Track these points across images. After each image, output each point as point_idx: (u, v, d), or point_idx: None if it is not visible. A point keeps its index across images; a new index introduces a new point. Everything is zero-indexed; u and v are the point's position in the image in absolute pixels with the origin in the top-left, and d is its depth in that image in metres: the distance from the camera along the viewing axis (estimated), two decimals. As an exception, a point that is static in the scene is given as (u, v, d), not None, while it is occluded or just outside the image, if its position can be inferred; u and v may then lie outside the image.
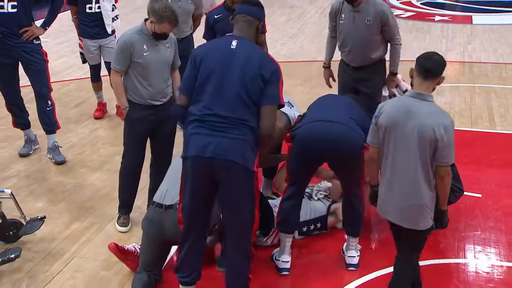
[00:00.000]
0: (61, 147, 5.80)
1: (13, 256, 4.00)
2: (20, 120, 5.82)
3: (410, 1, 12.34)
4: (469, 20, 10.94)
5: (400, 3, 12.28)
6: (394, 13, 11.39)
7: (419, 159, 3.25)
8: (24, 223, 4.33)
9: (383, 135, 3.34)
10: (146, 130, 4.52)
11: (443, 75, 3.31)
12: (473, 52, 9.02)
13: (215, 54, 3.34)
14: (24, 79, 5.73)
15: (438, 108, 3.31)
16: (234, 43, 3.34)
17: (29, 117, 5.84)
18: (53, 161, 5.72)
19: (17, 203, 4.36)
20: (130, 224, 4.65)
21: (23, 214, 4.37)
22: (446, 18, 10.89)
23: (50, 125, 5.73)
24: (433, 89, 3.34)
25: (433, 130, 3.18)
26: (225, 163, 3.25)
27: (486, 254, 4.31)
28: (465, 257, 4.28)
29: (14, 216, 4.39)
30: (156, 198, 3.90)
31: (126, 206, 4.69)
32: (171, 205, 3.81)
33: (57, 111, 5.82)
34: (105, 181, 5.36)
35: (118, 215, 4.70)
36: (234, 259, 3.53)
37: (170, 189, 3.86)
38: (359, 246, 4.17)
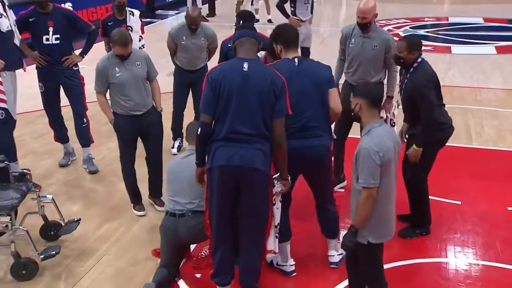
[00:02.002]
0: (94, 158, 5.81)
1: (53, 252, 4.02)
2: (60, 135, 5.84)
3: (398, 33, 12.39)
4: (448, 50, 10.98)
5: (399, 40, 12.36)
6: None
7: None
8: (63, 224, 4.35)
9: (383, 169, 3.07)
10: (132, 136, 4.72)
11: None
12: (452, 77, 9.02)
13: (231, 76, 3.31)
14: (63, 100, 5.76)
15: None
16: (245, 65, 3.32)
17: (67, 133, 5.86)
18: (88, 170, 5.73)
19: (57, 207, 4.38)
20: (145, 208, 4.87)
21: (62, 216, 4.39)
22: (429, 48, 10.89)
23: (85, 139, 5.76)
24: None
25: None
26: (250, 170, 3.26)
27: (465, 254, 4.30)
28: (446, 257, 4.27)
29: (55, 218, 4.41)
30: (169, 208, 3.86)
31: (135, 197, 4.88)
32: (183, 213, 3.78)
33: (91, 127, 5.84)
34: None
35: (132, 205, 4.86)
36: (249, 256, 3.50)
37: (178, 197, 3.82)
38: (339, 245, 3.99)
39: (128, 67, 4.53)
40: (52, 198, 4.37)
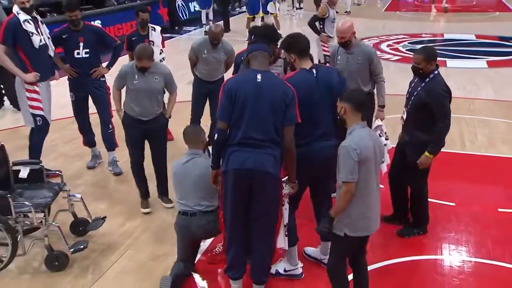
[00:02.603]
0: (118, 161, 5.82)
1: (82, 247, 4.05)
2: (88, 140, 5.89)
3: (397, 48, 12.37)
4: (444, 64, 10.90)
5: (390, 49, 12.31)
6: (384, 57, 11.42)
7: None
8: (90, 221, 4.38)
9: (361, 166, 3.08)
10: (138, 134, 4.74)
11: None
12: (447, 89, 8.98)
13: (246, 86, 3.30)
14: (91, 108, 5.81)
15: None
16: (259, 76, 3.31)
17: (95, 138, 5.90)
18: (112, 172, 5.75)
19: (85, 205, 4.41)
20: (150, 206, 4.91)
21: (89, 214, 4.42)
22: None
23: (110, 144, 5.79)
24: None
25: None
26: (262, 173, 3.26)
27: (459, 252, 4.28)
28: (442, 254, 4.25)
29: (83, 215, 4.45)
30: (181, 208, 3.82)
31: (144, 192, 4.92)
32: (194, 212, 3.75)
33: (116, 133, 5.84)
34: (153, 189, 5.34)
35: (141, 201, 4.90)
36: (260, 253, 3.49)
37: (185, 201, 3.79)
38: None
39: (146, 78, 4.57)
40: (81, 197, 4.40)
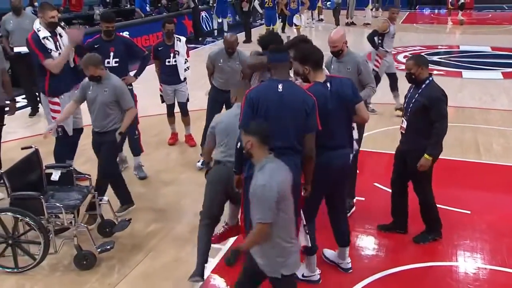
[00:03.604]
0: (143, 166, 5.87)
1: (108, 247, 4.10)
2: (132, 148, 5.87)
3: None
4: (459, 74, 10.82)
5: (406, 60, 12.24)
6: (401, 68, 11.32)
7: None
8: (116, 223, 4.43)
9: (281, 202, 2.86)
10: (93, 144, 4.81)
11: None
12: (463, 99, 8.87)
13: (268, 95, 3.30)
14: None
15: None
16: (280, 86, 3.30)
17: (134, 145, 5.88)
18: (138, 176, 5.78)
19: (111, 207, 4.46)
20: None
21: (116, 216, 4.47)
22: (441, 72, 10.78)
23: (136, 149, 5.84)
24: None
25: None
26: None
27: (473, 259, 4.21)
28: (457, 261, 4.19)
29: (110, 217, 4.50)
30: (220, 157, 3.71)
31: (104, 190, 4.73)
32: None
33: (141, 139, 5.92)
34: (175, 193, 5.40)
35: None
36: None
37: (231, 150, 3.59)
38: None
39: (97, 89, 4.57)
40: (108, 200, 4.45)
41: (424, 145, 4.06)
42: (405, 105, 4.24)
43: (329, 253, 4.06)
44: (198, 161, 6.05)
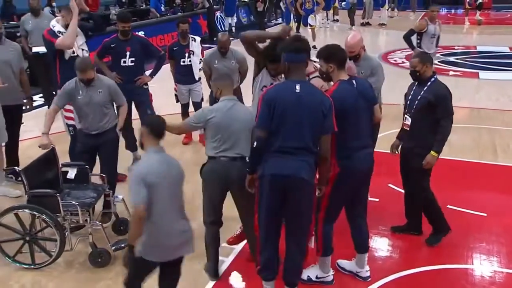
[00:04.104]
0: (158, 165, 5.94)
1: (123, 245, 4.06)
2: (130, 144, 5.98)
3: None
4: (476, 75, 10.70)
5: (411, 57, 12.14)
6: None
7: None
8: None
9: (152, 191, 2.97)
10: (84, 148, 4.66)
11: None
12: (480, 100, 8.78)
13: (285, 96, 3.29)
14: (134, 114, 5.90)
15: None
16: (297, 87, 3.28)
17: (136, 142, 5.93)
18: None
19: (126, 206, 4.47)
20: None
21: (130, 215, 4.49)
22: (458, 73, 10.68)
23: (151, 148, 5.90)
24: None
25: None
26: (297, 179, 3.26)
27: (490, 262, 4.17)
28: (472, 264, 4.15)
29: (125, 216, 4.52)
30: (214, 153, 3.67)
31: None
32: (236, 158, 3.64)
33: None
34: (189, 192, 5.31)
35: None
36: (293, 255, 3.49)
37: (233, 142, 3.64)
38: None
39: (90, 92, 4.49)
40: (123, 199, 4.48)
41: (428, 142, 4.05)
42: (408, 103, 4.22)
43: (345, 263, 4.00)
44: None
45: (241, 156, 3.66)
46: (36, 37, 7.88)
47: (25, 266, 4.07)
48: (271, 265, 3.52)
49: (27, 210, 3.99)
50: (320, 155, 3.36)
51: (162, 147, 3.15)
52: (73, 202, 4.04)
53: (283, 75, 3.63)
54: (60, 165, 4.43)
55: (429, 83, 4.09)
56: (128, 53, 5.54)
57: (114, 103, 4.77)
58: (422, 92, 4.08)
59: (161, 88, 7.55)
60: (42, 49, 7.87)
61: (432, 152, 4.05)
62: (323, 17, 18.05)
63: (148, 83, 5.78)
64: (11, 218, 4.04)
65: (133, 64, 5.58)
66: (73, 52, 5.15)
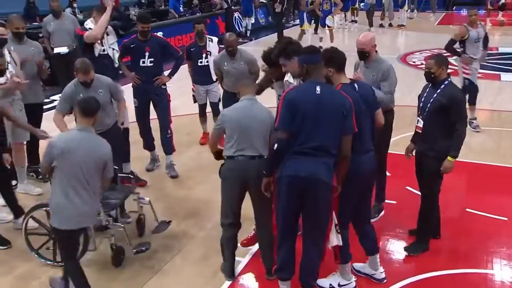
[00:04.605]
0: (175, 165, 5.92)
1: (144, 248, 4.12)
2: (148, 144, 6.01)
3: (450, 61, 12.00)
4: (497, 77, 10.51)
5: (428, 59, 11.98)
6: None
7: None
8: (157, 224, 4.41)
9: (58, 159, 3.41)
10: None
11: None
12: (501, 102, 8.62)
13: (306, 98, 3.29)
14: (152, 114, 5.92)
15: None
16: (318, 88, 3.29)
17: (154, 142, 6.02)
18: (169, 175, 5.84)
19: (152, 208, 4.43)
20: None
21: (156, 217, 4.44)
22: (479, 75, 10.49)
23: (168, 148, 5.90)
24: None
25: None
26: (315, 181, 3.26)
27: (510, 267, 4.09)
28: (492, 268, 4.08)
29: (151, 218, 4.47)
30: (231, 153, 3.68)
31: None
32: (255, 156, 3.64)
33: (174, 138, 5.96)
34: (206, 192, 5.42)
35: None
36: (310, 256, 3.48)
37: (250, 142, 3.65)
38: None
39: (90, 94, 4.40)
40: (149, 201, 4.42)
41: (440, 146, 3.99)
42: (421, 105, 4.16)
43: (359, 265, 3.98)
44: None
45: (259, 155, 3.65)
46: (58, 38, 8.05)
47: (48, 262, 4.10)
48: (287, 264, 3.52)
49: (48, 208, 3.95)
50: (341, 155, 3.36)
51: (89, 127, 3.49)
52: None
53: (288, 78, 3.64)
54: None
55: (442, 85, 4.02)
56: (147, 54, 5.57)
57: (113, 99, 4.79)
58: (435, 94, 4.02)
59: (179, 88, 7.60)
60: (63, 50, 8.02)
61: (449, 157, 3.96)
62: (341, 18, 17.95)
63: (166, 83, 5.80)
64: (42, 213, 4.08)
65: (152, 64, 5.62)
66: (103, 50, 5.22)
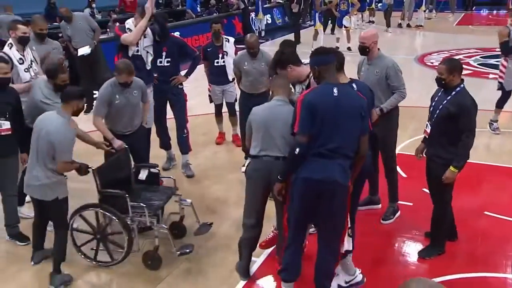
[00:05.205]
0: (191, 164, 5.94)
1: (188, 250, 4.10)
2: (164, 143, 6.04)
3: (468, 62, 11.85)
4: (518, 78, 10.34)
5: (439, 63, 11.82)
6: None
7: None
8: (199, 225, 4.36)
9: None
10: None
11: None
12: (522, 103, 8.48)
13: (325, 100, 3.26)
14: (168, 113, 5.94)
15: None
16: (335, 90, 3.27)
17: (170, 141, 6.05)
18: (185, 174, 5.86)
19: (194, 210, 4.36)
20: None
21: (198, 219, 4.38)
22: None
23: (184, 147, 5.92)
24: None
25: None
26: (331, 182, 3.23)
27: (530, 272, 4.03)
28: (511, 273, 4.00)
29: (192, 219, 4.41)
30: (256, 152, 3.66)
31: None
32: (278, 157, 3.60)
33: (190, 138, 5.97)
34: (222, 192, 5.45)
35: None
36: (324, 258, 3.46)
37: (274, 142, 3.62)
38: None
39: (126, 95, 4.56)
40: (191, 203, 4.38)
41: (446, 153, 3.88)
42: (431, 109, 4.07)
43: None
44: (243, 165, 6.07)
45: (283, 156, 3.61)
46: (78, 40, 8.20)
47: (88, 260, 4.12)
48: (292, 266, 3.50)
49: (97, 209, 4.04)
50: (358, 155, 3.36)
51: (67, 112, 3.80)
52: (141, 204, 4.00)
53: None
54: (133, 166, 4.46)
55: (454, 92, 3.87)
56: (164, 54, 5.60)
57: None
58: (445, 101, 3.89)
59: (195, 88, 7.63)
60: (87, 50, 8.14)
61: (452, 168, 3.84)
62: (358, 18, 17.85)
63: (183, 83, 5.82)
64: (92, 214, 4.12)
65: (169, 64, 5.64)
66: (137, 51, 5.30)
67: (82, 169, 3.94)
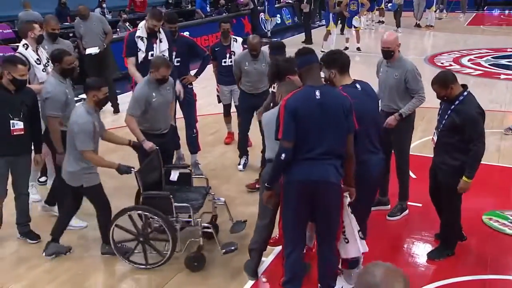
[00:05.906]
0: (200, 164, 5.96)
1: (233, 248, 4.09)
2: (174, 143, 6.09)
3: (479, 62, 11.76)
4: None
5: (471, 63, 11.71)
6: (464, 71, 10.80)
7: None
8: (232, 224, 4.34)
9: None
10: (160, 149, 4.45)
11: None
12: (534, 105, 8.41)
13: (306, 105, 3.19)
14: (178, 113, 5.89)
15: None
16: (317, 93, 3.19)
17: (179, 141, 6.04)
18: (194, 174, 5.85)
19: (228, 208, 4.36)
20: None
21: (231, 217, 4.38)
22: (510, 76, 10.27)
23: (194, 147, 5.93)
24: None
25: None
26: (325, 183, 3.20)
27: (541, 274, 3.99)
28: (521, 275, 3.98)
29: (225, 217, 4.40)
30: (271, 156, 3.56)
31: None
32: None
33: (199, 137, 5.99)
34: (231, 191, 5.45)
35: None
36: (327, 257, 3.44)
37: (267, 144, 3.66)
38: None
39: (161, 92, 4.46)
40: (224, 201, 4.37)
41: (453, 163, 3.84)
42: (438, 117, 4.01)
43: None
44: (239, 164, 6.08)
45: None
46: (88, 39, 8.24)
47: (141, 267, 4.06)
48: (297, 276, 3.46)
49: (141, 211, 4.04)
50: (347, 153, 3.29)
51: (89, 103, 4.02)
52: (186, 204, 4.00)
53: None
54: (164, 167, 4.42)
55: (457, 101, 3.81)
56: (174, 53, 5.61)
57: None
58: (450, 111, 3.84)
59: (204, 88, 7.64)
60: (95, 50, 8.19)
61: (464, 178, 3.78)
62: (367, 18, 17.79)
63: (192, 82, 5.83)
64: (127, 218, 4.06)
65: (178, 64, 5.65)
66: (152, 55, 5.23)
67: (122, 170, 4.06)
